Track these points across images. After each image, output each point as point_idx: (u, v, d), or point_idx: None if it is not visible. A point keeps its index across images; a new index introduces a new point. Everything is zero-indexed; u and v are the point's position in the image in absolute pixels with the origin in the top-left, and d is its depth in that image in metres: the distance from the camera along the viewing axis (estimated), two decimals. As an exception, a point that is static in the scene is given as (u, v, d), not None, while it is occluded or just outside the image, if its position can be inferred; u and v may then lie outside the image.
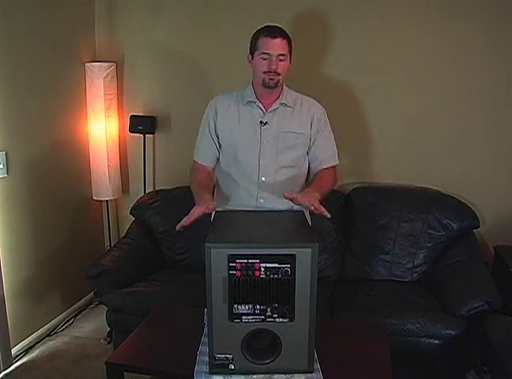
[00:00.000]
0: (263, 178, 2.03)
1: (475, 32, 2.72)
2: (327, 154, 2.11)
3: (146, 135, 3.19)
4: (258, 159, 2.03)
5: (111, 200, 3.32)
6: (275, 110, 2.04)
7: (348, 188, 2.99)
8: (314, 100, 2.13)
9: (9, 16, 2.49)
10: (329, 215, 1.74)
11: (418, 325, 2.22)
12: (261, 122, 2.02)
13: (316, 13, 2.87)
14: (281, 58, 1.94)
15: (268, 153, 2.03)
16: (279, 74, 1.95)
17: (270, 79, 1.95)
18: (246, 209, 2.00)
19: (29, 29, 2.64)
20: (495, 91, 2.76)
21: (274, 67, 1.93)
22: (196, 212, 1.74)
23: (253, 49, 1.99)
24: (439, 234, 2.70)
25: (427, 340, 2.22)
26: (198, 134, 2.15)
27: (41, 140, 2.80)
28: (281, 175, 2.05)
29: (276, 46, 1.92)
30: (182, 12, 3.05)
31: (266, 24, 1.99)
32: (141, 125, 3.15)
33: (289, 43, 1.98)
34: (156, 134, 3.23)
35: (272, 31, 1.94)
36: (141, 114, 3.20)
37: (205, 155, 2.13)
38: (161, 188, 3.19)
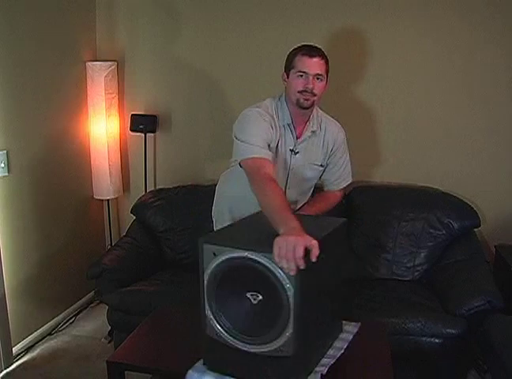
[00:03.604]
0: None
1: (475, 32, 2.71)
2: (342, 176, 2.21)
3: (147, 134, 3.19)
4: (286, 186, 2.06)
5: (111, 199, 3.32)
6: (306, 139, 2.02)
7: (349, 187, 2.98)
8: (337, 124, 2.13)
9: (10, 15, 2.49)
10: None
11: (419, 324, 2.22)
12: (291, 151, 2.00)
13: (317, 16, 2.87)
14: (318, 77, 1.88)
15: (294, 182, 2.07)
16: (315, 95, 1.89)
17: (305, 99, 1.89)
18: None
19: (30, 28, 2.63)
20: (494, 90, 2.76)
21: (311, 86, 1.87)
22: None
23: (289, 67, 1.93)
24: (440, 233, 2.70)
25: (428, 339, 2.22)
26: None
27: (42, 139, 2.80)
28: (300, 198, 2.14)
29: (314, 65, 1.86)
30: (183, 11, 3.05)
31: (304, 43, 1.94)
32: (142, 124, 3.15)
33: (327, 63, 1.91)
34: (157, 133, 3.23)
35: (311, 50, 1.89)
36: (142, 112, 3.20)
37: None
38: (162, 187, 3.19)
